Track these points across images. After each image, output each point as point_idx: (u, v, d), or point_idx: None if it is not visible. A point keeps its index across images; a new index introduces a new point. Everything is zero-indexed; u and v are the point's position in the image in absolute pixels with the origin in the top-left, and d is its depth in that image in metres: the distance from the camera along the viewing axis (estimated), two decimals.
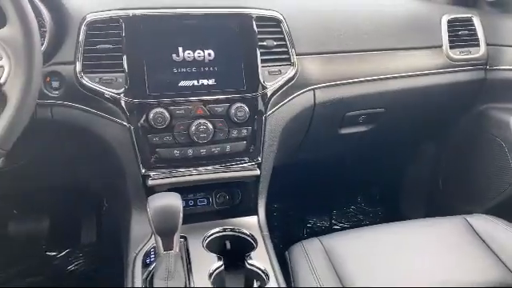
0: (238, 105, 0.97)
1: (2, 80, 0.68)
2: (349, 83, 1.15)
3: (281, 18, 1.03)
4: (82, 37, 0.91)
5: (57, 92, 0.92)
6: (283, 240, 1.06)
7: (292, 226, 1.75)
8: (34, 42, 0.70)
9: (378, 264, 0.97)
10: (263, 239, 0.98)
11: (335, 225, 1.83)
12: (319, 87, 1.10)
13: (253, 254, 0.93)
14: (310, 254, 0.98)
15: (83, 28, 0.91)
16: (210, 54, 0.96)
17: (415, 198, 1.73)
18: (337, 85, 1.13)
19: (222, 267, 0.88)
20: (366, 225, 1.38)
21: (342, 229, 1.78)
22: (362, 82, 1.17)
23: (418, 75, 1.24)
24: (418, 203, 1.72)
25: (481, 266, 0.98)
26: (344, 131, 1.24)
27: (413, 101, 1.28)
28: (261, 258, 0.92)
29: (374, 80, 1.18)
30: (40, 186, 1.30)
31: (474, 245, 1.03)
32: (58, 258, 1.57)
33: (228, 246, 0.99)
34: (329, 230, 1.75)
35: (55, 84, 0.91)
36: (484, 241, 1.04)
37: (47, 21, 0.90)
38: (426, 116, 1.40)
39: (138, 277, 0.86)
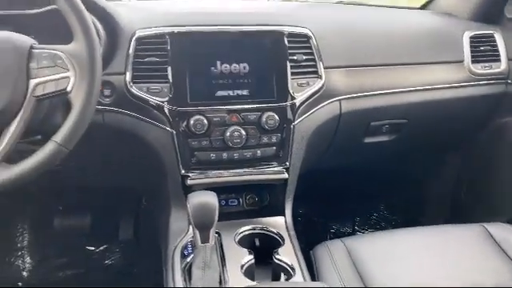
0: (269, 113, 1.06)
1: (69, 88, 0.78)
2: (373, 95, 1.21)
3: (310, 34, 1.12)
4: (131, 50, 1.01)
5: (108, 99, 1.03)
6: (307, 242, 1.13)
7: (316, 230, 1.81)
8: (96, 56, 0.80)
9: (399, 266, 1.02)
10: (290, 237, 1.05)
11: (358, 231, 1.88)
12: (345, 98, 1.17)
13: (280, 250, 1.01)
14: (333, 254, 1.04)
15: (133, 43, 1.02)
16: (244, 67, 1.06)
17: (437, 207, 1.76)
18: (361, 96, 1.20)
19: (253, 261, 0.96)
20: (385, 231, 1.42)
21: (360, 235, 1.83)
22: (385, 94, 1.23)
23: (439, 88, 1.29)
24: (439, 213, 1.75)
25: (498, 272, 1.01)
26: (368, 140, 1.31)
27: (434, 113, 1.33)
28: (288, 254, 0.99)
29: (397, 92, 1.24)
30: (85, 184, 1.42)
31: (492, 252, 1.06)
32: (96, 253, 1.68)
33: (257, 242, 1.07)
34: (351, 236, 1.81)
35: (107, 92, 1.02)
36: (502, 248, 1.07)
37: (102, 36, 1.00)
38: (448, 128, 1.44)
39: (177, 266, 0.95)
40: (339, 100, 1.17)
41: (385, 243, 1.10)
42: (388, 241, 1.12)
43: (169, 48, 1.02)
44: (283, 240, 1.04)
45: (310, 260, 1.05)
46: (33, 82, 0.76)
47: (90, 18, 0.81)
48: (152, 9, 1.18)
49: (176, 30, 1.03)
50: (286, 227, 1.10)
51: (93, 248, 1.69)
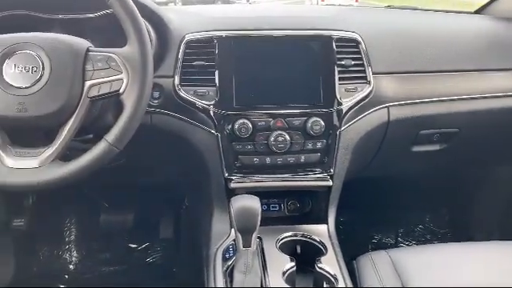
0: (315, 119, 1.05)
1: (121, 90, 0.80)
2: (423, 102, 1.17)
3: (359, 39, 1.09)
4: (180, 54, 1.04)
5: (157, 101, 1.05)
6: (349, 252, 1.10)
7: (358, 239, 1.77)
8: (149, 59, 0.82)
9: (446, 282, 0.97)
10: (333, 246, 1.03)
11: (401, 242, 1.81)
12: (394, 105, 1.14)
13: (323, 258, 0.99)
14: (377, 265, 1.01)
15: (182, 46, 1.04)
16: (291, 72, 1.06)
17: (487, 222, 1.68)
18: (411, 103, 1.16)
19: (294, 268, 0.95)
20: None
21: (406, 247, 1.77)
22: (437, 101, 1.18)
23: (493, 97, 1.23)
24: (489, 228, 1.66)
25: None
26: (417, 149, 1.26)
27: (488, 122, 1.27)
28: (330, 264, 0.97)
29: (449, 100, 1.19)
30: (131, 183, 1.46)
31: None
32: (138, 250, 1.72)
33: (298, 249, 1.06)
34: (394, 247, 1.75)
35: (156, 94, 1.05)
36: None
37: (153, 40, 1.03)
38: (503, 139, 1.37)
39: (219, 269, 0.95)
40: (388, 107, 1.13)
41: (432, 257, 1.06)
42: (436, 254, 1.07)
43: (216, 52, 1.03)
44: (326, 249, 1.02)
45: (353, 270, 1.02)
46: (88, 83, 0.80)
47: (143, 22, 0.83)
48: (201, 13, 1.20)
49: (224, 34, 1.04)
50: (329, 236, 1.08)
51: (135, 245, 1.74)
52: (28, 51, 0.78)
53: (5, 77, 0.77)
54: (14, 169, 0.77)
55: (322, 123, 1.04)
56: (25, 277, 1.54)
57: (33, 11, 0.98)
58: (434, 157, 1.32)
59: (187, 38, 1.04)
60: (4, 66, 0.77)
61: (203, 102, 1.03)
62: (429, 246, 1.14)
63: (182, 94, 1.03)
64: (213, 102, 1.03)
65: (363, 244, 1.79)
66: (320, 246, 1.04)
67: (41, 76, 0.77)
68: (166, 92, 1.04)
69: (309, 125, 1.04)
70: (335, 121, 1.06)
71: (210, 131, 1.05)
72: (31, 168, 0.77)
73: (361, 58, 1.09)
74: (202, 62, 1.04)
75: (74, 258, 1.69)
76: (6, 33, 0.82)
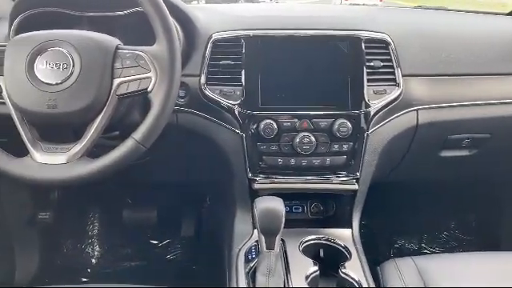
0: (342, 121, 1.03)
1: (149, 88, 0.80)
2: (453, 106, 1.14)
3: (389, 40, 1.07)
4: (207, 53, 1.03)
5: (183, 100, 1.05)
6: (371, 257, 1.08)
7: (380, 244, 1.74)
8: (177, 57, 0.82)
9: None
10: (357, 252, 1.01)
11: (425, 248, 1.77)
12: (423, 108, 1.11)
13: (347, 264, 0.97)
14: (402, 271, 0.99)
15: (209, 45, 1.03)
16: (318, 72, 1.04)
17: None
18: (441, 107, 1.12)
19: (318, 272, 0.94)
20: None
21: (433, 254, 1.72)
22: (467, 105, 1.15)
23: None
24: None
25: None
26: (445, 154, 1.22)
27: None
28: (354, 269, 0.95)
29: (482, 104, 1.15)
30: (154, 180, 1.47)
31: None
32: (159, 247, 1.74)
33: (321, 253, 1.04)
34: (418, 254, 1.71)
35: (182, 93, 1.04)
36: None
37: (181, 38, 1.03)
38: None
39: (241, 270, 0.95)
40: (417, 110, 1.10)
41: (459, 265, 1.03)
42: (463, 263, 1.04)
43: (243, 51, 1.03)
44: (350, 254, 1.00)
45: (377, 276, 1.00)
46: (116, 81, 0.80)
47: (172, 21, 0.82)
48: (228, 12, 1.19)
49: (251, 33, 1.03)
50: (353, 241, 1.06)
51: (156, 242, 1.75)
52: (59, 48, 0.79)
53: (36, 73, 0.78)
54: (42, 164, 0.78)
55: (349, 125, 1.02)
56: (49, 269, 1.57)
57: (64, 9, 0.99)
58: (463, 162, 1.28)
59: (214, 36, 1.04)
60: (36, 63, 0.78)
61: (229, 101, 1.03)
62: (456, 254, 1.11)
63: (208, 93, 1.03)
64: (238, 102, 1.02)
65: (385, 249, 1.75)
66: (344, 251, 1.02)
67: (71, 73, 0.78)
68: (191, 91, 1.04)
69: (335, 127, 1.02)
70: (363, 123, 1.04)
71: (234, 131, 1.04)
72: (59, 164, 0.78)
73: (390, 60, 1.06)
74: (229, 62, 1.03)
75: (96, 253, 1.71)
76: (37, 30, 0.83)
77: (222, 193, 1.22)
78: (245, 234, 1.05)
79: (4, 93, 0.79)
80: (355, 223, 1.10)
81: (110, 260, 1.70)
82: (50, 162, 0.78)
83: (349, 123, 1.03)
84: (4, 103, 0.80)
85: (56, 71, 0.78)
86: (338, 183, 1.07)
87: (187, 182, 1.42)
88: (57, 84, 0.77)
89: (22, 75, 0.77)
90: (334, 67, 1.05)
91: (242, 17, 1.13)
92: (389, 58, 1.06)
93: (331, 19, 1.14)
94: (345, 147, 1.04)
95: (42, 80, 0.77)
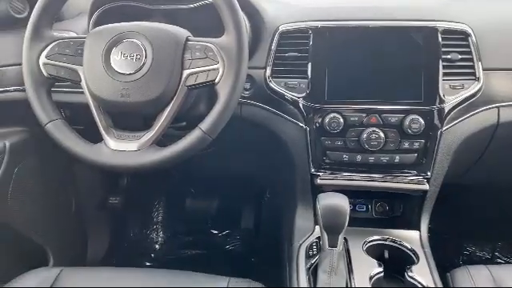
0: (413, 116, 0.97)
1: (217, 80, 0.81)
2: None
3: (469, 31, 0.99)
4: (274, 45, 1.02)
5: (247, 92, 1.05)
6: (438, 262, 1.02)
7: (448, 250, 1.63)
8: (245, 49, 0.82)
9: None
10: (425, 255, 0.96)
11: (499, 258, 1.64)
12: (505, 105, 1.02)
13: (414, 267, 0.92)
14: (476, 280, 0.91)
15: (276, 37, 1.02)
16: (389, 65, 0.99)
17: None
18: None
19: (382, 274, 0.90)
20: None
21: (508, 264, 1.59)
22: None
23: None
24: None
25: None
26: None
27: None
28: (422, 274, 0.90)
29: None
30: (216, 171, 1.50)
31: None
32: (219, 237, 1.77)
33: (386, 255, 1.00)
34: (491, 262, 1.59)
35: (247, 85, 1.04)
36: None
37: (248, 31, 1.03)
38: None
39: (301, 266, 0.93)
40: (498, 107, 1.02)
41: None
42: None
43: (310, 43, 1.00)
44: (417, 257, 0.95)
45: (447, 283, 0.94)
46: (186, 72, 0.81)
47: (241, 13, 0.82)
48: (294, 3, 1.17)
49: (320, 24, 1.01)
50: (421, 244, 1.00)
51: (216, 232, 1.78)
52: (133, 40, 0.82)
53: (112, 64, 0.81)
54: (115, 151, 0.81)
55: (422, 122, 0.97)
56: (117, 251, 1.66)
57: (138, 2, 1.03)
58: None
59: (281, 28, 1.02)
60: (112, 54, 0.81)
61: (293, 94, 1.01)
62: None
63: (273, 85, 1.02)
64: (303, 95, 1.00)
65: (454, 255, 1.65)
66: (411, 254, 0.97)
67: (143, 64, 0.80)
68: (256, 83, 1.04)
69: (406, 123, 0.97)
70: (436, 120, 0.97)
71: (298, 124, 1.03)
72: (131, 151, 0.81)
73: (469, 52, 0.99)
74: (295, 53, 1.01)
75: (160, 239, 1.78)
76: (113, 22, 0.87)
77: (282, 186, 1.21)
78: (306, 230, 1.03)
79: (83, 82, 0.83)
80: (423, 225, 1.04)
81: (171, 247, 1.77)
82: (122, 148, 0.81)
83: (421, 119, 0.97)
84: (83, 92, 0.84)
85: (130, 62, 0.81)
86: (406, 182, 1.01)
87: (247, 174, 1.43)
88: (130, 74, 0.80)
89: (99, 65, 0.81)
90: (406, 60, 0.99)
91: (310, 8, 1.10)
92: (468, 50, 0.99)
93: (405, 9, 1.08)
94: (416, 145, 0.99)
95: (117, 70, 0.81)
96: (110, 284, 0.86)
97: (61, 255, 1.34)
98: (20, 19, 1.13)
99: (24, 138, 1.18)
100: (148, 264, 1.69)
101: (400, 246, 0.99)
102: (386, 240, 1.01)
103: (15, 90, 1.09)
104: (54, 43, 0.85)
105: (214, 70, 0.80)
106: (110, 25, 0.86)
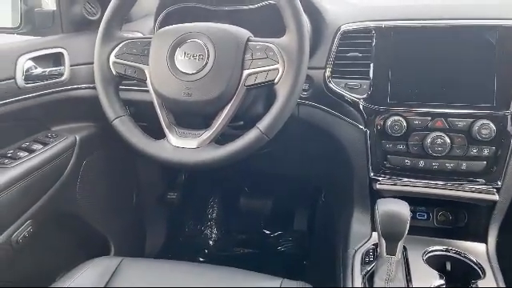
0: (484, 121, 0.91)
1: (276, 80, 0.81)
2: None
3: None
4: (335, 45, 1.00)
5: (306, 93, 1.04)
6: (506, 279, 0.94)
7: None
8: (306, 49, 0.81)
9: None
10: (493, 270, 0.89)
11: None
12: None
13: (480, 282, 0.86)
14: None
15: (337, 37, 1.00)
16: (457, 67, 0.93)
17: None
18: None
19: (444, 286, 0.85)
20: None
21: None
22: None
23: None
24: None
25: None
26: None
27: None
28: None
29: None
30: (272, 170, 1.50)
31: None
32: (271, 237, 1.77)
33: (448, 267, 0.94)
34: None
35: (305, 86, 1.03)
36: None
37: (309, 31, 1.02)
38: None
39: (357, 271, 0.91)
40: None
41: None
42: None
43: (373, 43, 0.97)
44: (483, 272, 0.89)
45: None
46: (246, 72, 0.82)
47: (304, 14, 0.82)
48: (358, 3, 1.14)
49: (384, 24, 0.97)
50: (488, 258, 0.93)
51: (268, 232, 1.78)
52: (196, 40, 0.84)
53: (176, 63, 0.84)
54: (176, 147, 0.84)
55: (493, 127, 0.90)
56: (173, 245, 1.72)
57: (202, 4, 1.06)
58: None
59: (343, 28, 1.00)
60: (176, 54, 0.84)
61: (354, 95, 0.98)
62: None
63: (332, 86, 1.00)
64: (364, 96, 0.98)
65: None
66: (476, 268, 0.91)
67: (206, 63, 0.82)
68: (315, 84, 1.02)
69: (475, 128, 0.91)
70: (509, 126, 0.91)
71: (357, 126, 1.00)
72: (191, 148, 0.83)
73: None
74: (357, 54, 0.99)
75: (213, 235, 1.81)
76: (178, 23, 0.89)
77: (338, 189, 1.19)
78: (362, 236, 1.00)
79: (148, 81, 0.87)
80: (491, 238, 0.97)
81: (224, 244, 1.79)
82: (183, 145, 0.83)
83: (492, 125, 0.90)
84: (147, 91, 0.88)
85: (193, 61, 0.83)
86: (473, 191, 0.95)
87: (303, 175, 1.41)
88: (192, 74, 0.82)
89: (163, 65, 0.84)
90: (477, 61, 0.93)
91: (373, 7, 1.07)
92: None
93: (475, 7, 1.02)
94: (485, 152, 0.92)
95: (181, 69, 0.83)
96: (168, 276, 0.89)
97: (121, 246, 1.40)
98: (93, 21, 1.21)
99: (92, 133, 1.25)
100: (201, 260, 1.73)
101: (464, 259, 0.93)
102: (449, 251, 0.95)
103: (86, 88, 1.16)
104: (122, 43, 0.90)
105: (273, 69, 0.80)
106: (174, 26, 0.88)
